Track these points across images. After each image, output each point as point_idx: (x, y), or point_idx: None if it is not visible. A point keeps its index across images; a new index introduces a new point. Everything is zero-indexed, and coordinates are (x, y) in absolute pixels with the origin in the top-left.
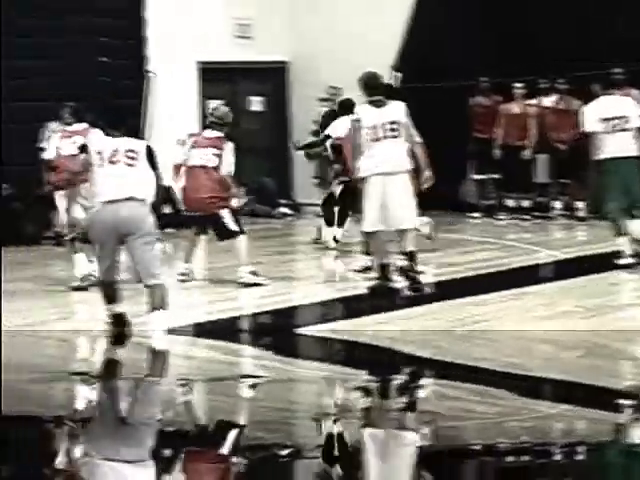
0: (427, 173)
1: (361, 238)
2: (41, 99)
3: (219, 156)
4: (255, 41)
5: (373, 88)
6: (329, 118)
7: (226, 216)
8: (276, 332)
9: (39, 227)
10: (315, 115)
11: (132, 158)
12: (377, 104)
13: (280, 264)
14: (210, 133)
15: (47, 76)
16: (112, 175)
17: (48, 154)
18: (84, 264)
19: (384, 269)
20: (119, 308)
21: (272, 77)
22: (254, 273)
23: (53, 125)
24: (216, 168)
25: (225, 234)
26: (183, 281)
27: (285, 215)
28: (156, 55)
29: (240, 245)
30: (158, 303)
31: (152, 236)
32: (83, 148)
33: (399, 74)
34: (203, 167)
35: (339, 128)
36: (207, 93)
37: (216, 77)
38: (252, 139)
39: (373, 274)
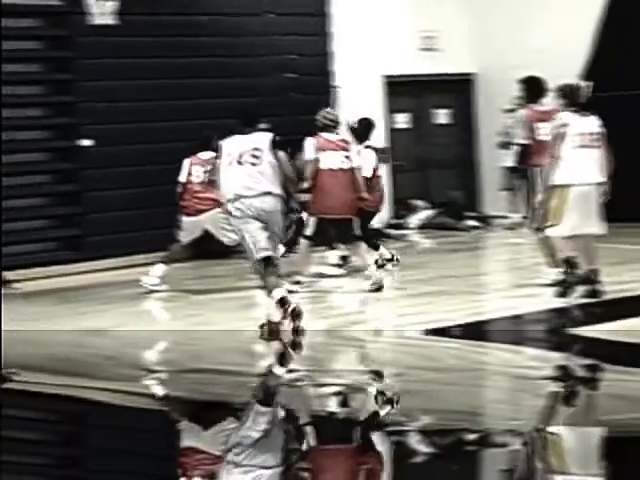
0: (606, 188)
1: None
2: (230, 117)
3: (349, 158)
4: (441, 53)
5: (575, 98)
6: None
7: (355, 221)
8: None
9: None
10: (501, 127)
11: (256, 157)
12: (581, 113)
13: (470, 277)
14: (332, 136)
15: (235, 94)
16: (240, 175)
17: (180, 177)
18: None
19: (569, 264)
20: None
21: (458, 89)
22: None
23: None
24: (348, 170)
25: (350, 239)
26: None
27: (473, 228)
28: (342, 70)
29: (362, 249)
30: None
31: (280, 226)
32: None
33: (589, 83)
34: (339, 170)
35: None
36: (392, 107)
37: (401, 90)
38: (439, 152)
39: None
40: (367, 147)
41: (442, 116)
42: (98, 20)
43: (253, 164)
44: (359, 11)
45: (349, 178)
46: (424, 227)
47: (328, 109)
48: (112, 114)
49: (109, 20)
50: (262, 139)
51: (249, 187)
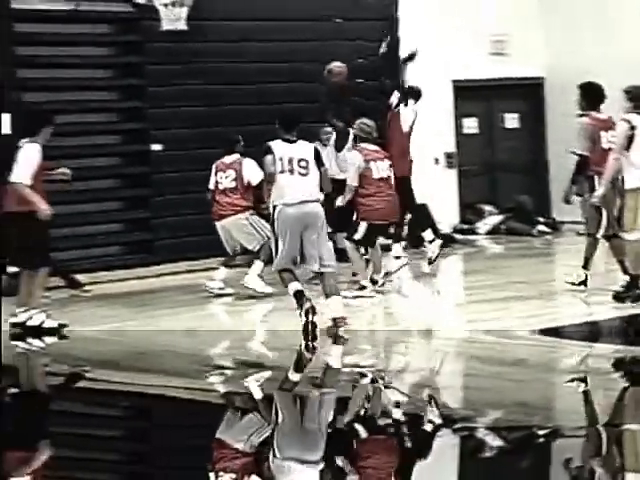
0: None
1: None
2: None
3: (391, 166)
4: (510, 57)
5: None
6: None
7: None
8: None
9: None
10: (573, 131)
11: (304, 167)
12: None
13: (542, 283)
14: (373, 147)
15: (302, 99)
16: (290, 182)
17: (210, 184)
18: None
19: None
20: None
21: (527, 93)
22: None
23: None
24: (392, 178)
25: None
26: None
27: (543, 233)
28: (411, 74)
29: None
30: (333, 290)
31: (325, 230)
32: (267, 150)
33: None
34: (387, 178)
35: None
36: (462, 111)
37: (471, 95)
38: (508, 156)
39: None
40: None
41: (511, 120)
42: (168, 26)
43: (301, 174)
44: (427, 15)
45: (392, 186)
46: (493, 232)
47: (365, 120)
48: (181, 119)
49: (179, 26)
50: (308, 150)
51: (296, 196)
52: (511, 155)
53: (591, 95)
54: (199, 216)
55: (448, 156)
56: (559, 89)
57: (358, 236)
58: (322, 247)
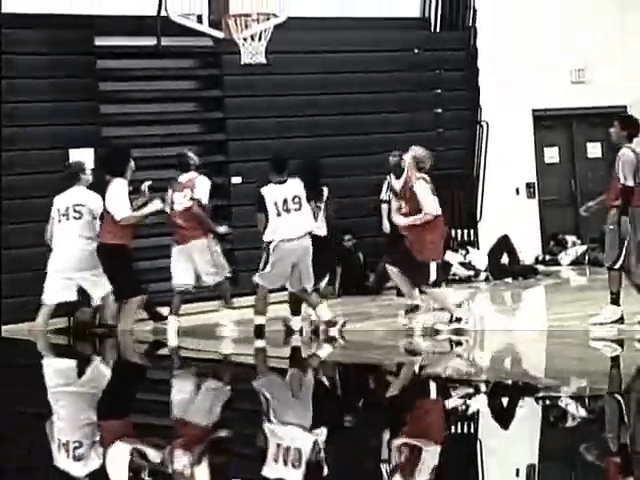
0: None
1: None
2: (385, 151)
3: None
4: (592, 86)
5: None
6: None
7: None
8: None
9: (381, 277)
10: None
11: (298, 203)
12: None
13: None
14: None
15: (383, 129)
16: (287, 221)
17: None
18: None
19: None
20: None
21: (610, 122)
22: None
23: None
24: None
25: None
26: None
27: None
28: (490, 104)
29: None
30: (314, 303)
31: (310, 260)
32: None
33: None
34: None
35: None
36: (542, 141)
37: (551, 124)
38: (591, 186)
39: None
40: None
41: (594, 149)
42: (247, 60)
43: (295, 209)
44: (507, 44)
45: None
46: (576, 263)
47: (418, 148)
48: (261, 151)
49: (258, 59)
50: (298, 186)
51: (293, 232)
52: (594, 185)
53: (627, 127)
54: None
55: (529, 186)
56: None
57: (434, 278)
58: (308, 271)
